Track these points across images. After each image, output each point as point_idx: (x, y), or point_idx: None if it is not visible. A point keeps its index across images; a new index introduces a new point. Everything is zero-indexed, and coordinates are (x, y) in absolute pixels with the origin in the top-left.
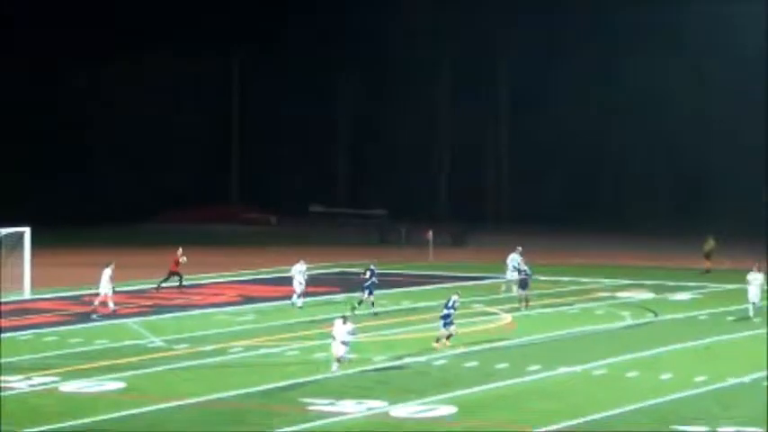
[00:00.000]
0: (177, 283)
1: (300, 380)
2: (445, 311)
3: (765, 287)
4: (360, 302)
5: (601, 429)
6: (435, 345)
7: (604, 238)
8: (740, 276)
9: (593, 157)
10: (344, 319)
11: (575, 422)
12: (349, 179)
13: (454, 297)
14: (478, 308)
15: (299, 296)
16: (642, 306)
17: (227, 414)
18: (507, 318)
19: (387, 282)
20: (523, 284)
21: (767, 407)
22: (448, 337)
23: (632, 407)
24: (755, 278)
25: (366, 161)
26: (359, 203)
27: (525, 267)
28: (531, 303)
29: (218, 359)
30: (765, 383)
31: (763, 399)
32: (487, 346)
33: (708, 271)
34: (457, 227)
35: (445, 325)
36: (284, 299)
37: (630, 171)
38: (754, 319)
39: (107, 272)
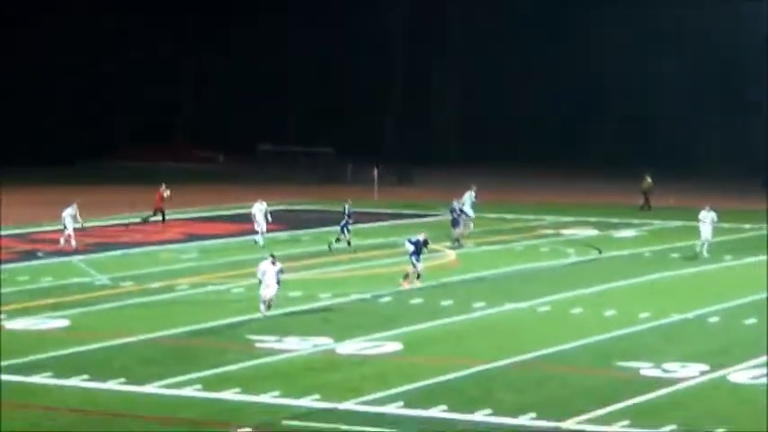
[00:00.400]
0: (161, 219)
1: (247, 317)
2: (409, 247)
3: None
4: (337, 240)
5: (545, 365)
6: (402, 282)
7: (549, 176)
8: (683, 214)
9: (540, 96)
10: (273, 259)
11: (519, 358)
12: (297, 117)
13: (422, 236)
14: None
15: (261, 234)
16: (586, 243)
17: (175, 351)
18: (451, 255)
19: (332, 219)
20: (455, 223)
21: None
22: (418, 276)
23: (576, 343)
24: (707, 216)
25: (314, 99)
26: (306, 142)
27: (459, 206)
28: (465, 242)
29: (164, 297)
30: (709, 319)
31: (706, 334)
32: (432, 283)
33: (645, 208)
34: (403, 165)
35: (415, 263)
36: (230, 236)
37: (577, 110)
38: (705, 256)
39: (69, 211)
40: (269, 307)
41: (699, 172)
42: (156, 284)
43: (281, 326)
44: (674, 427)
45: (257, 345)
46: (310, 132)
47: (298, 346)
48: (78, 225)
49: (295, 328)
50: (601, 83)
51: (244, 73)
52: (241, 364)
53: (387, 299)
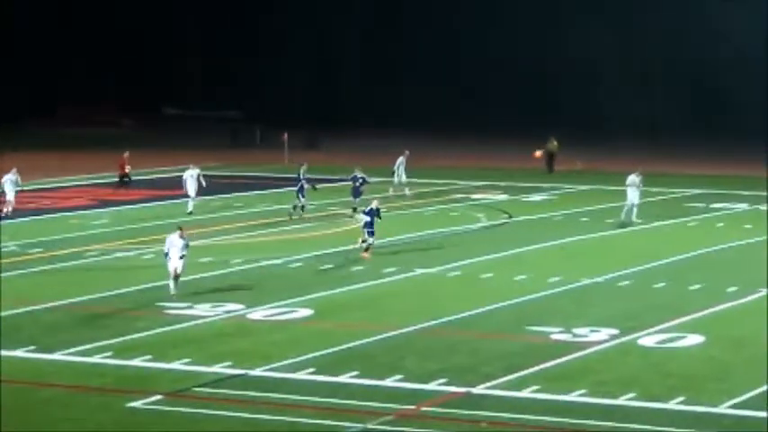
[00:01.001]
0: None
1: (157, 283)
2: (364, 217)
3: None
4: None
5: (456, 331)
6: (365, 255)
7: (459, 140)
8: (591, 178)
9: (451, 60)
10: (181, 232)
11: (431, 323)
12: (204, 80)
13: (374, 203)
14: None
15: (191, 200)
16: (497, 208)
17: (85, 318)
18: (359, 219)
19: (242, 184)
20: (356, 193)
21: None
22: (366, 249)
23: (487, 308)
24: (635, 181)
25: (222, 62)
26: (214, 105)
27: (363, 175)
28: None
29: (73, 263)
30: (619, 284)
31: (616, 299)
32: (343, 248)
33: (550, 171)
34: (312, 129)
35: (369, 234)
36: (138, 202)
37: (489, 76)
38: (634, 220)
39: (9, 177)
40: (176, 282)
41: (605, 137)
42: (65, 251)
43: (191, 292)
44: (584, 391)
45: (167, 311)
46: (217, 96)
47: (208, 312)
48: (19, 188)
49: (206, 294)
50: (512, 47)
51: (150, 36)
52: (151, 331)
53: (297, 264)
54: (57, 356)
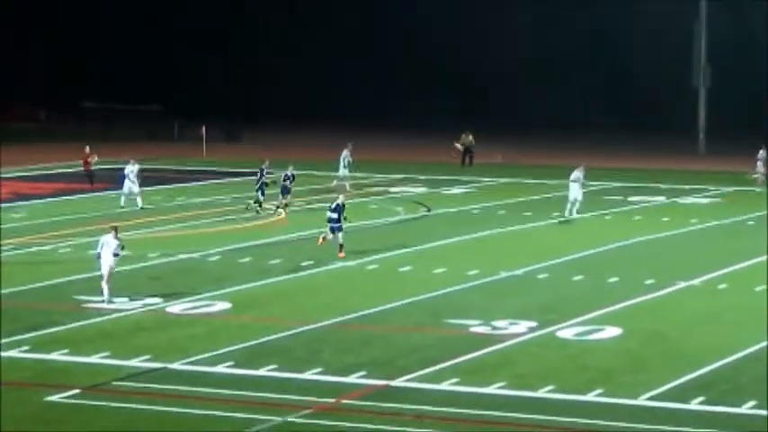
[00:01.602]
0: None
1: (74, 277)
2: (330, 214)
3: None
4: (256, 201)
5: (374, 324)
6: (321, 242)
7: (378, 133)
8: (509, 171)
9: (370, 52)
10: (115, 233)
11: (348, 316)
12: (122, 73)
13: (340, 199)
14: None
15: (138, 195)
16: (415, 200)
17: (3, 312)
18: (281, 213)
19: (160, 178)
20: (284, 190)
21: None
22: (341, 247)
23: (405, 301)
24: (578, 176)
25: (140, 53)
26: (132, 98)
27: (291, 173)
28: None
29: None
30: (538, 276)
31: (535, 291)
32: (261, 241)
33: (464, 164)
34: (231, 122)
35: (333, 230)
36: (54, 196)
37: (412, 67)
38: (575, 216)
39: None
40: (109, 286)
41: (524, 130)
42: None
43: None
44: (502, 383)
45: (85, 305)
46: (135, 89)
47: (126, 306)
48: None
49: (123, 288)
50: (426, 38)
51: (68, 28)
52: (69, 325)
53: (215, 258)
54: None
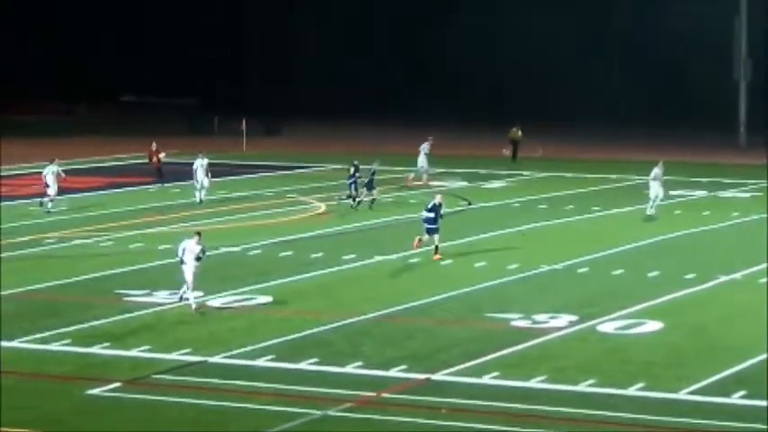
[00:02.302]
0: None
1: (115, 271)
2: (426, 214)
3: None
4: (349, 196)
5: (415, 318)
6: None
7: (417, 127)
8: (552, 165)
9: (404, 46)
10: (198, 236)
11: (390, 310)
12: (160, 66)
13: (437, 199)
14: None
15: (203, 190)
16: (456, 194)
17: (43, 305)
18: (321, 207)
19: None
20: (369, 185)
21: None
22: (436, 249)
23: (446, 294)
24: (658, 174)
25: (178, 48)
26: (170, 92)
27: (375, 168)
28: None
29: (32, 251)
30: (578, 270)
31: (575, 285)
32: (302, 235)
33: (514, 158)
34: (270, 116)
35: (429, 231)
36: (97, 190)
37: (443, 60)
38: (653, 213)
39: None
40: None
41: (564, 123)
42: (23, 239)
43: (150, 280)
44: (544, 377)
45: (126, 299)
46: (174, 83)
47: (167, 299)
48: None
49: (165, 281)
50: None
51: (106, 22)
52: (110, 319)
53: (256, 252)
54: (16, 344)
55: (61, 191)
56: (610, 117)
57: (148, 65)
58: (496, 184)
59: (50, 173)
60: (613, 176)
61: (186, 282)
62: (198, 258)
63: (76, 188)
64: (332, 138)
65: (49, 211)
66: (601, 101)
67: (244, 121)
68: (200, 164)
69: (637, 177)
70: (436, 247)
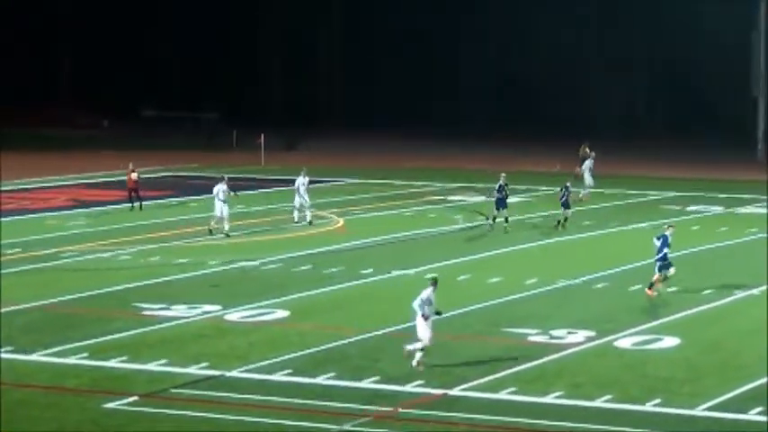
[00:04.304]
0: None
1: (134, 284)
2: (660, 246)
3: None
4: (495, 218)
5: (433, 331)
6: (648, 292)
7: (437, 141)
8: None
9: (424, 60)
10: (434, 282)
11: (407, 325)
12: (181, 82)
13: (669, 231)
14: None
15: (306, 210)
16: (474, 209)
17: (62, 318)
18: (339, 221)
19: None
20: (500, 204)
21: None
22: (663, 279)
23: (464, 309)
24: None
25: (199, 63)
26: (191, 106)
27: (503, 183)
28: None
29: (50, 264)
30: (595, 285)
31: (593, 300)
32: (320, 249)
33: (576, 176)
34: (290, 131)
35: (661, 268)
36: (116, 203)
37: (464, 75)
38: None
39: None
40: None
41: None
42: (42, 251)
43: (168, 293)
44: (561, 393)
45: (144, 312)
46: (194, 98)
47: (185, 313)
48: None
49: (182, 295)
50: (485, 49)
51: (126, 37)
52: (128, 332)
53: (274, 266)
54: (34, 357)
55: (79, 204)
56: (628, 132)
57: (169, 79)
58: (514, 199)
59: (302, 185)
60: (630, 192)
61: (422, 339)
62: (438, 313)
63: (95, 201)
64: (350, 152)
65: (307, 224)
66: (619, 116)
67: (262, 136)
68: (301, 182)
69: (653, 193)
70: (653, 282)
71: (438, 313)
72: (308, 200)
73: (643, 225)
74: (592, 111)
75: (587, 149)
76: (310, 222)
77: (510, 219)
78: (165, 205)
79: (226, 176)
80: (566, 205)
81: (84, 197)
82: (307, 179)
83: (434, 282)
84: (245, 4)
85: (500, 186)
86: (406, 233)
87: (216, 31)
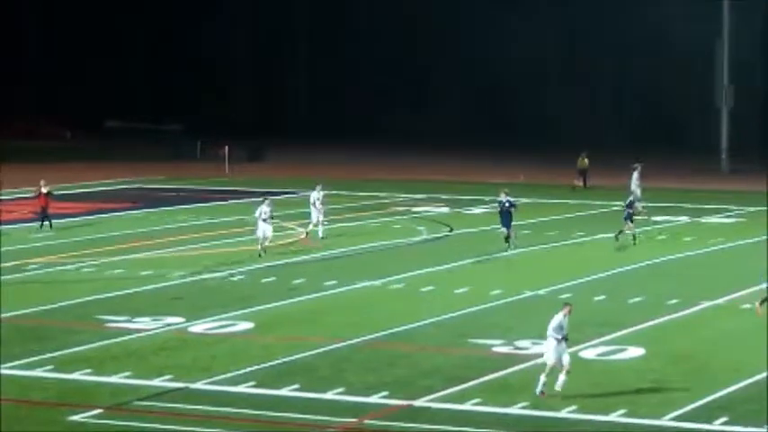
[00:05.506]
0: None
1: (96, 297)
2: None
3: None
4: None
5: (397, 344)
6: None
7: (401, 152)
8: (531, 190)
9: (392, 71)
10: (566, 306)
11: (371, 336)
12: (145, 93)
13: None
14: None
15: (319, 225)
16: (438, 220)
17: (26, 331)
18: (302, 233)
19: (185, 197)
20: (628, 217)
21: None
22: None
23: (429, 320)
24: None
25: (163, 73)
26: (155, 118)
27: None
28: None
29: (15, 276)
30: (561, 296)
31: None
32: (284, 261)
33: (585, 187)
34: (254, 142)
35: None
36: (81, 215)
37: (433, 86)
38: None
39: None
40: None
41: (545, 149)
42: (6, 264)
43: (131, 305)
44: (525, 404)
45: (108, 324)
46: (158, 109)
47: (149, 326)
48: None
49: (146, 307)
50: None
51: (91, 48)
52: (92, 345)
53: (239, 277)
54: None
55: (44, 217)
56: (593, 143)
57: (133, 91)
58: (479, 210)
59: (317, 199)
60: (596, 202)
61: (563, 365)
62: (564, 338)
63: (62, 213)
64: (316, 162)
65: (323, 238)
66: (584, 127)
67: (226, 147)
68: (316, 197)
69: (619, 203)
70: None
71: (564, 338)
72: (322, 215)
73: (608, 235)
74: (555, 120)
75: (586, 160)
76: (323, 237)
77: (474, 230)
78: (135, 216)
79: (269, 198)
80: (630, 219)
81: (52, 210)
82: (322, 193)
83: (567, 305)
84: (212, 15)
85: (501, 202)
86: (371, 244)
87: (182, 41)
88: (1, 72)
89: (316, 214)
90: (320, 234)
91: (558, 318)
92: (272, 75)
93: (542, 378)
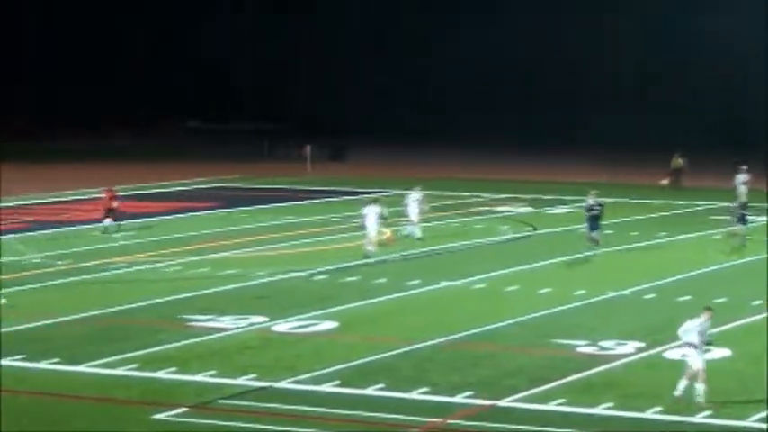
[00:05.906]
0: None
1: (180, 296)
2: None
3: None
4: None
5: (481, 344)
6: None
7: (484, 152)
8: (615, 191)
9: (473, 69)
10: (709, 312)
11: (455, 336)
12: (228, 93)
13: None
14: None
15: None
16: (521, 220)
17: (110, 330)
18: (387, 232)
19: (267, 197)
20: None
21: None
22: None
23: (512, 320)
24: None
25: (243, 75)
26: (240, 118)
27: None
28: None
29: (99, 275)
30: (645, 296)
31: (642, 311)
32: (367, 261)
33: (678, 188)
34: (336, 141)
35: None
36: (164, 214)
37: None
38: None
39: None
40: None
41: (631, 150)
42: (90, 263)
43: (216, 305)
44: (610, 404)
45: (192, 324)
46: (243, 109)
47: (233, 324)
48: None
49: (230, 306)
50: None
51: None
52: (176, 344)
53: (322, 277)
54: (82, 369)
55: (130, 216)
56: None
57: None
58: (561, 209)
59: (413, 201)
60: (680, 202)
61: (694, 370)
62: (708, 343)
63: (144, 212)
64: (396, 163)
65: (420, 239)
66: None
67: (308, 146)
68: (415, 198)
69: (703, 203)
70: None
71: (709, 344)
72: (419, 216)
73: (692, 235)
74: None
75: (680, 160)
76: (420, 239)
77: (557, 230)
78: (215, 216)
79: (380, 197)
80: (743, 221)
81: (132, 208)
82: (421, 194)
83: (708, 309)
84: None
85: (591, 206)
86: (454, 244)
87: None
88: (1, 72)
89: (415, 213)
90: (418, 234)
91: (700, 322)
92: (349, 75)
93: (684, 382)
